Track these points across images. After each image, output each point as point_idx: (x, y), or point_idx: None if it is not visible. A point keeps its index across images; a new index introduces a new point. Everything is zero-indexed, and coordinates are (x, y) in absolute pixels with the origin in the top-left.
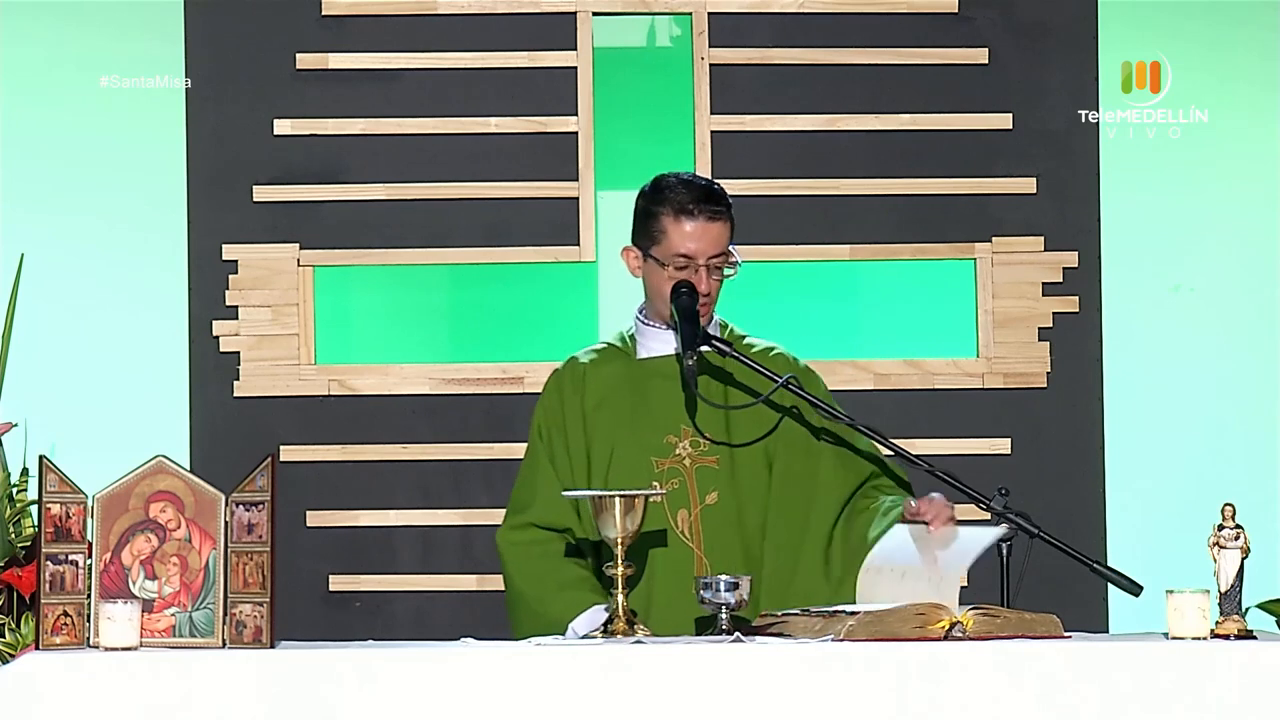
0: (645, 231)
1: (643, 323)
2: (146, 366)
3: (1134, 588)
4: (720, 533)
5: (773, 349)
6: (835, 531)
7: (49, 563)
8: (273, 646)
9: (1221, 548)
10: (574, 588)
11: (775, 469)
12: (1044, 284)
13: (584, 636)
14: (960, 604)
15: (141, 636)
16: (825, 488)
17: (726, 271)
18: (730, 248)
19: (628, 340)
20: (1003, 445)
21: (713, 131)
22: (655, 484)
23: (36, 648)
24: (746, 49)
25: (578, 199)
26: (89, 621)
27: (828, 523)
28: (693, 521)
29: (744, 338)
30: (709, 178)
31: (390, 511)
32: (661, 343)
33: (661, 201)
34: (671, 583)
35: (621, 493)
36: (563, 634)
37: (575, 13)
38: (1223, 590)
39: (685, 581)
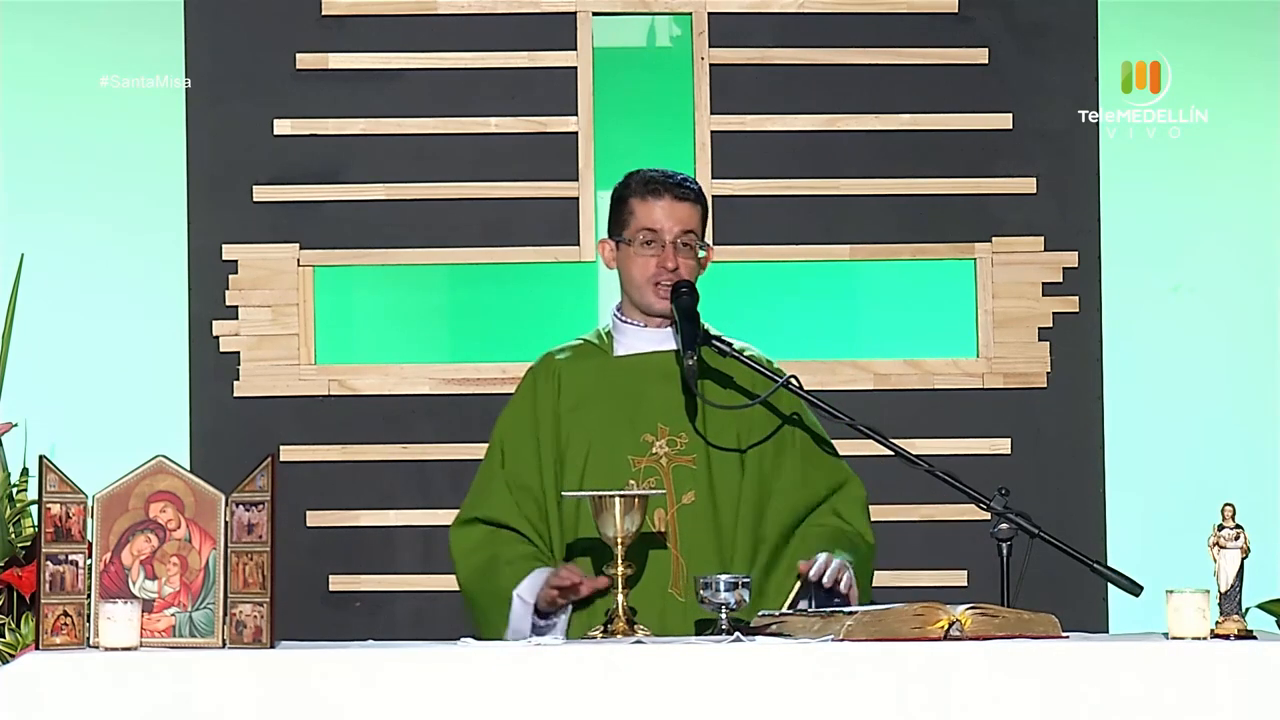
0: (617, 219)
1: (620, 320)
2: (146, 366)
3: (1134, 588)
4: (696, 532)
5: (746, 349)
6: (789, 544)
7: (49, 563)
8: (273, 646)
9: (1221, 548)
10: (518, 561)
11: (748, 470)
12: (1044, 284)
13: (587, 636)
14: (960, 604)
15: (141, 636)
16: (781, 495)
17: (700, 254)
18: (705, 239)
19: (604, 337)
20: (1003, 445)
21: (713, 131)
22: (632, 482)
23: (36, 648)
24: (746, 49)
25: (578, 199)
26: (89, 621)
27: (778, 531)
28: (669, 521)
29: (719, 337)
30: (685, 174)
31: (390, 511)
32: (640, 340)
33: (628, 185)
34: (647, 580)
35: (621, 493)
36: (508, 602)
37: (575, 13)
38: (1223, 590)
39: (661, 580)
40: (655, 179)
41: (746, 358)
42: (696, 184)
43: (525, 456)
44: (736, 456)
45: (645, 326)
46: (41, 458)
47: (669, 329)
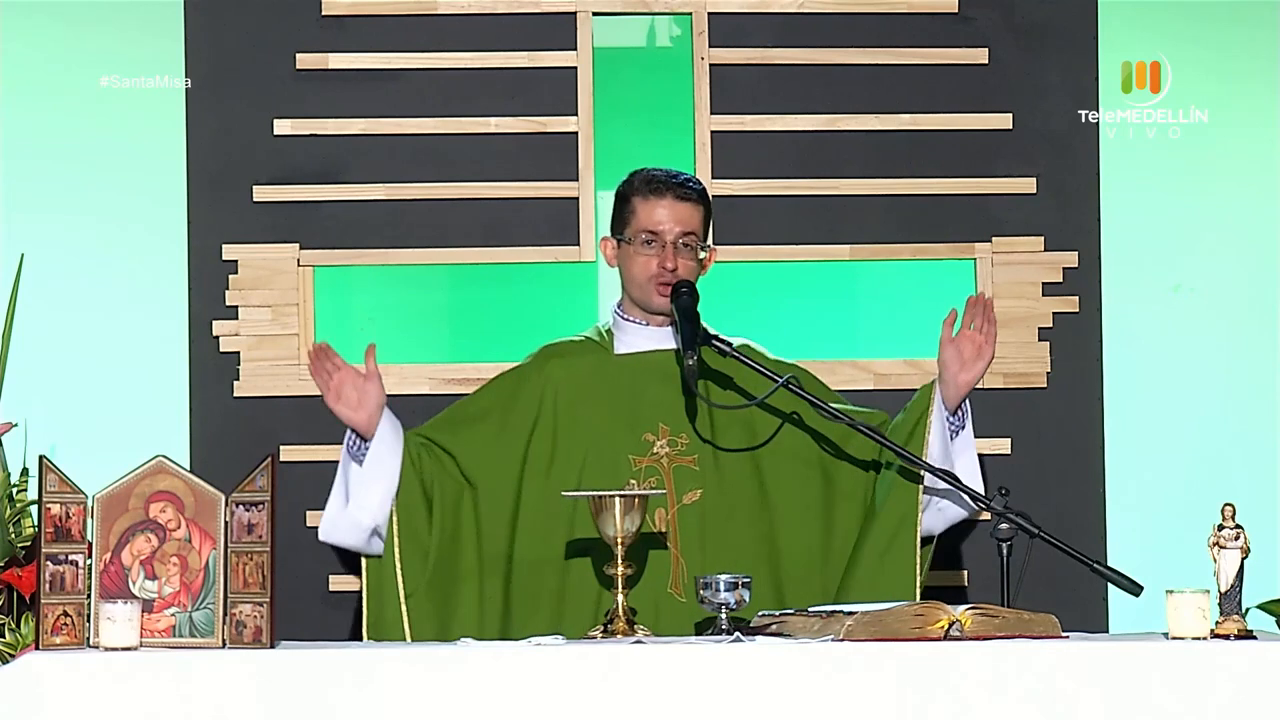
0: (619, 217)
1: (622, 318)
2: (146, 366)
3: (1134, 588)
4: (697, 532)
5: (745, 344)
6: (877, 504)
7: (49, 563)
8: (273, 646)
9: (1221, 548)
10: None
11: (751, 471)
12: (1044, 284)
13: (587, 636)
14: (959, 604)
15: (141, 636)
16: (849, 479)
17: (701, 255)
18: (707, 240)
19: (604, 335)
20: (1003, 445)
21: (713, 131)
22: (633, 482)
23: (36, 648)
24: (746, 49)
25: (578, 199)
26: (89, 621)
27: (859, 511)
28: (669, 520)
29: (718, 337)
30: (689, 174)
31: None
32: (640, 339)
33: (631, 184)
34: (647, 581)
35: (622, 493)
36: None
37: (575, 13)
38: (1223, 590)
39: (661, 580)
40: (658, 178)
41: (746, 356)
42: (700, 184)
43: (471, 431)
44: (738, 457)
45: (646, 325)
46: (41, 458)
47: (669, 328)
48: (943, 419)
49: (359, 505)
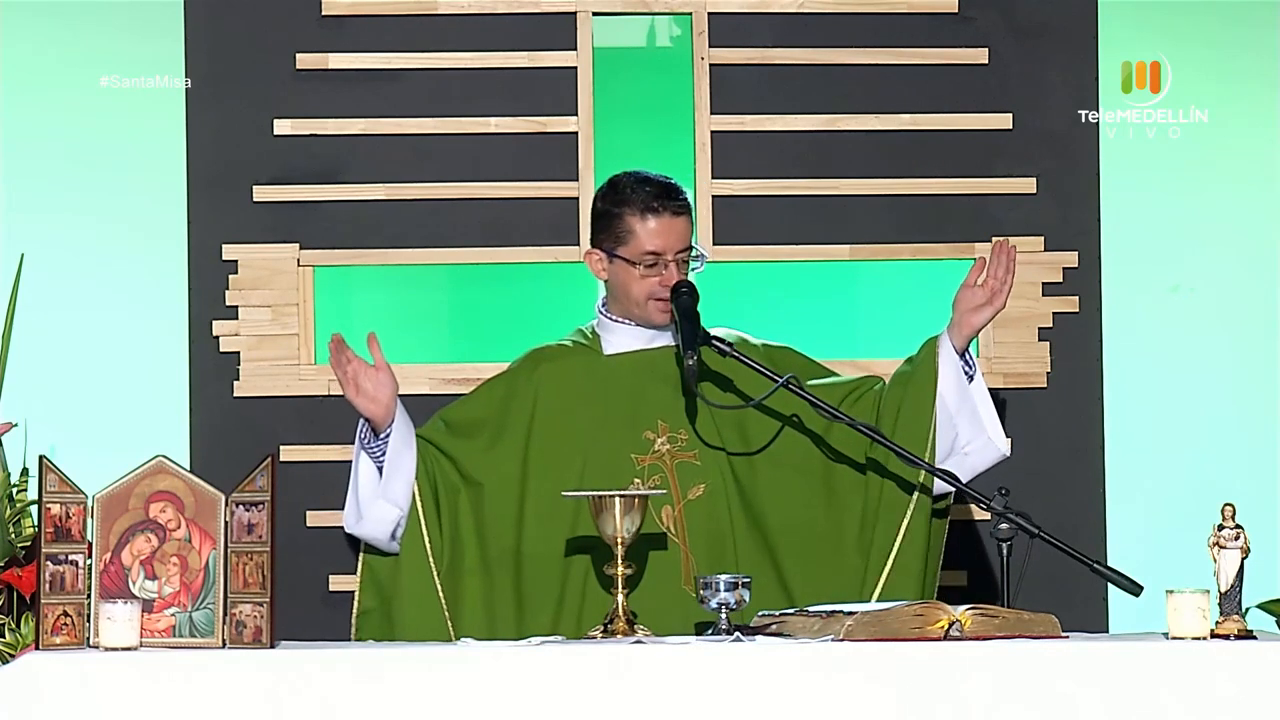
0: (610, 233)
1: (609, 318)
2: (146, 366)
3: (1134, 588)
4: (704, 527)
5: (741, 339)
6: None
7: (49, 563)
8: (273, 646)
9: (1221, 548)
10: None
11: (754, 468)
12: (1044, 284)
13: (587, 636)
14: (959, 604)
15: (141, 636)
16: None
17: (693, 265)
18: (694, 242)
19: (590, 336)
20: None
21: (713, 131)
22: (637, 481)
23: (36, 648)
24: (746, 49)
25: (578, 199)
26: (89, 621)
27: (857, 508)
28: (676, 517)
29: (718, 337)
30: (665, 175)
31: None
32: (629, 338)
33: (624, 202)
34: (658, 579)
35: (621, 493)
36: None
37: (575, 13)
38: (1223, 590)
39: (673, 577)
40: (653, 196)
41: (745, 355)
42: (684, 191)
43: (468, 442)
44: (741, 453)
45: (634, 325)
46: (41, 458)
47: (658, 327)
48: (955, 362)
49: (386, 499)
